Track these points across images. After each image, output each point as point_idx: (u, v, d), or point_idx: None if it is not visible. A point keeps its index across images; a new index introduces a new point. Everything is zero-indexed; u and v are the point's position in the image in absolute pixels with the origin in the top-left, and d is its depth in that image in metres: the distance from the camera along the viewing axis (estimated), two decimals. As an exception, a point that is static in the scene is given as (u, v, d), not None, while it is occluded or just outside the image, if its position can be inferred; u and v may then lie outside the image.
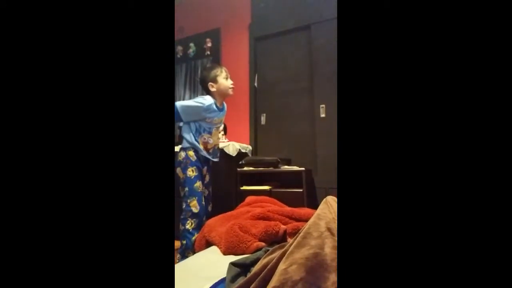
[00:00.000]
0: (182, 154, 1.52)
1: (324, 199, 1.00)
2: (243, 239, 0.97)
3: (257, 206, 1.39)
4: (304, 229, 0.79)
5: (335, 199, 0.99)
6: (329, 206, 0.90)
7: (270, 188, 1.89)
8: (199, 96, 1.59)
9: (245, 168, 2.00)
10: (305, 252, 0.65)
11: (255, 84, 2.48)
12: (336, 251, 0.66)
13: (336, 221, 0.82)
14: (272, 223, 1.06)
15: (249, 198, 1.57)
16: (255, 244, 0.96)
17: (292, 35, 2.28)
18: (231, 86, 1.61)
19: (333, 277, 0.60)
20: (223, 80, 1.59)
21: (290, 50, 2.30)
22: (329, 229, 0.74)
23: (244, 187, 1.95)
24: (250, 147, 2.33)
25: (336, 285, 0.58)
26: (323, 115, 2.07)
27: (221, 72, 1.59)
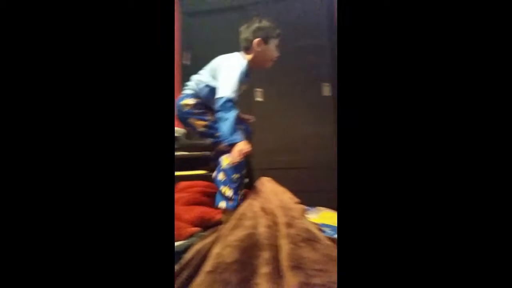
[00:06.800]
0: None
1: (259, 180, 1.01)
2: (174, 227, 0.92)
3: (191, 192, 1.34)
4: (239, 211, 0.78)
5: (269, 179, 1.01)
6: (263, 186, 0.92)
7: (206, 173, 1.84)
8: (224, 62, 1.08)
9: (178, 153, 1.90)
10: (239, 233, 0.64)
11: (185, 61, 2.33)
12: (269, 230, 0.67)
13: (271, 201, 0.83)
14: (209, 210, 1.02)
15: (181, 184, 1.49)
16: (188, 230, 0.92)
17: (225, 15, 2.20)
18: (274, 60, 1.17)
19: (265, 254, 0.60)
20: (274, 47, 1.14)
21: (223, 30, 2.22)
22: (262, 209, 0.74)
23: (178, 173, 1.86)
24: (183, 130, 2.21)
25: (268, 261, 0.59)
26: (260, 99, 2.08)
27: (278, 35, 1.14)
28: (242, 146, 0.98)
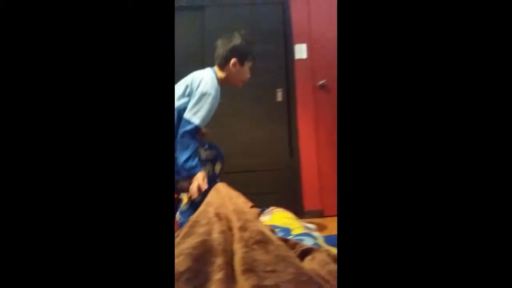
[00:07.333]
0: None
1: (214, 186, 1.01)
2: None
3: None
4: (193, 218, 0.77)
5: (225, 184, 1.01)
6: (218, 192, 0.92)
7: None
8: (195, 81, 1.08)
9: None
10: (192, 241, 0.64)
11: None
12: (223, 235, 0.68)
13: (226, 206, 0.84)
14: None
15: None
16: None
17: (185, 13, 2.15)
18: (246, 81, 1.19)
19: (219, 260, 0.61)
20: (248, 69, 1.16)
21: (182, 28, 2.17)
22: (217, 214, 0.75)
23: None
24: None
25: (222, 266, 0.60)
26: (215, 101, 2.07)
27: (253, 58, 1.15)
28: (200, 180, 0.98)
